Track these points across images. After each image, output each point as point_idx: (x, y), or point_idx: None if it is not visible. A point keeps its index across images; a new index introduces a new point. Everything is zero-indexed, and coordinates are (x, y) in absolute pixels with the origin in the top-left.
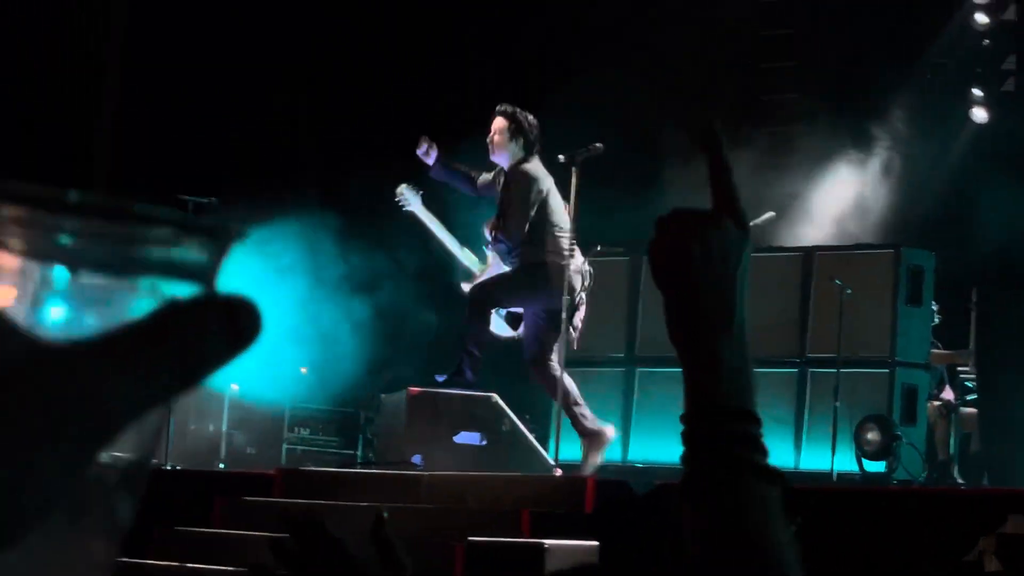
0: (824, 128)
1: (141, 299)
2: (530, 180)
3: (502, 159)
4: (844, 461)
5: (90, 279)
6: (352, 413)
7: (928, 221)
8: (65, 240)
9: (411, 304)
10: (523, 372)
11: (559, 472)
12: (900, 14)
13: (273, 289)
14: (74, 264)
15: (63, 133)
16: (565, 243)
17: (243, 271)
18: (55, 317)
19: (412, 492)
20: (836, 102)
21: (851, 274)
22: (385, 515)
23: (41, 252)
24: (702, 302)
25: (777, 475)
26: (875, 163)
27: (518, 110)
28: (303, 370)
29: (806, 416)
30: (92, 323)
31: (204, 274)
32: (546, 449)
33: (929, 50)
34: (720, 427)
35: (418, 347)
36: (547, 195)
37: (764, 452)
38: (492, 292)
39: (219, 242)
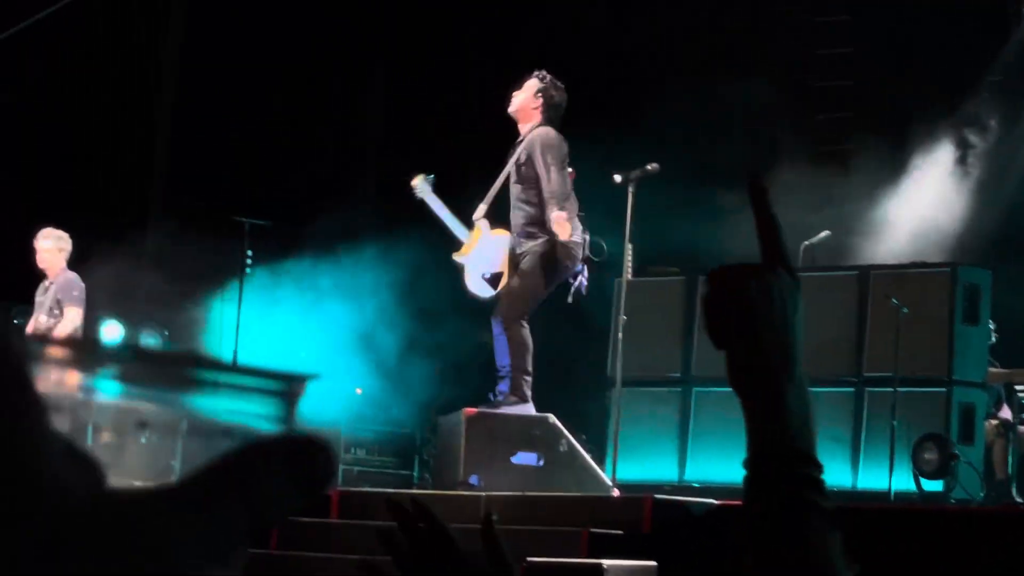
0: (879, 147)
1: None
2: (560, 140)
3: (523, 116)
4: (902, 480)
5: (165, 416)
6: (408, 434)
7: (985, 239)
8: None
9: (466, 324)
10: (580, 392)
11: (617, 492)
12: (958, 29)
13: (328, 309)
14: (145, 396)
15: (121, 158)
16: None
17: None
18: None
19: (470, 513)
20: (891, 122)
21: (907, 293)
22: (495, 517)
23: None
24: (764, 349)
25: (839, 518)
26: (931, 181)
27: (550, 76)
28: (358, 391)
29: (863, 435)
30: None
31: (276, 420)
32: (603, 469)
33: (989, 68)
34: (783, 471)
35: (473, 367)
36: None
37: (826, 496)
38: (522, 306)
39: (287, 399)
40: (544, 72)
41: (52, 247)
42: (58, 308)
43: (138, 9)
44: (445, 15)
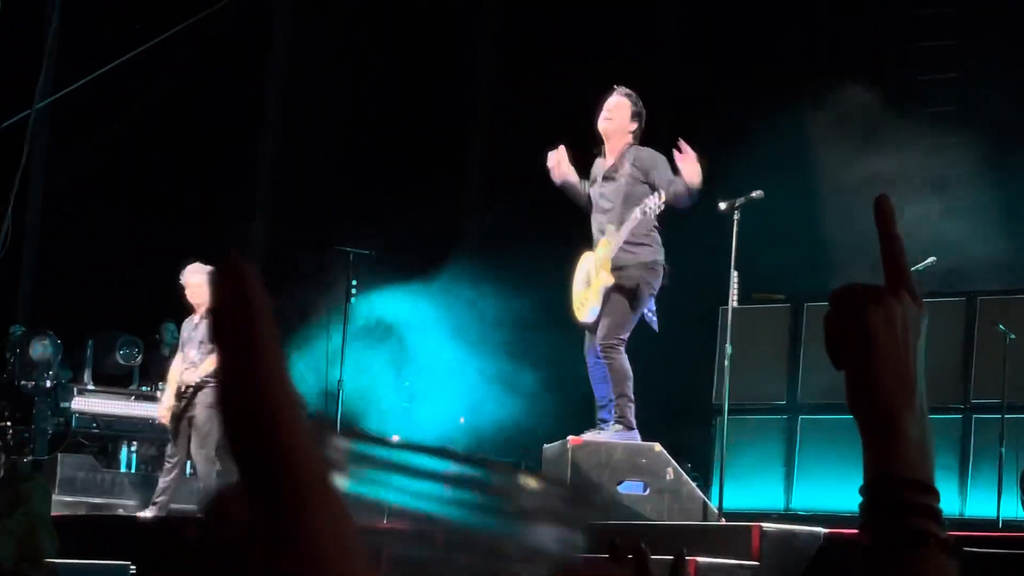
0: (985, 169)
1: None
2: (660, 154)
3: (617, 137)
4: (1010, 507)
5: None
6: (513, 463)
7: None
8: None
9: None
10: (685, 420)
11: (723, 521)
12: None
13: (432, 336)
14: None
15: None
16: None
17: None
18: None
19: None
20: (998, 143)
21: (1015, 319)
22: (644, 545)
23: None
24: (882, 374)
25: (957, 548)
26: None
27: (634, 93)
28: (461, 420)
29: (971, 463)
30: None
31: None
32: (709, 497)
33: None
34: (899, 500)
35: (577, 396)
36: None
37: (944, 525)
38: (620, 332)
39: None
40: (629, 90)
41: (203, 281)
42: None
43: (241, 44)
44: (545, 47)
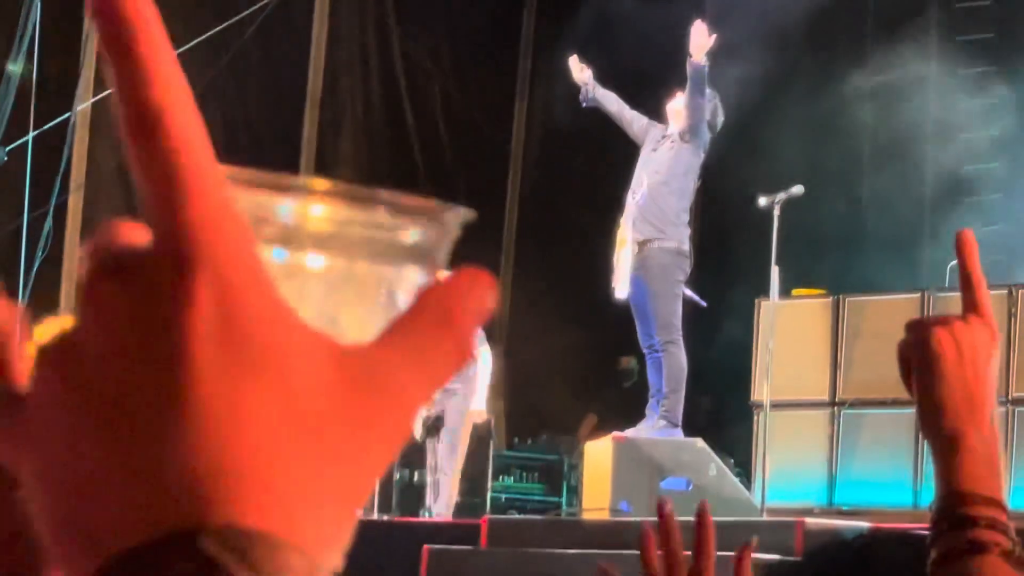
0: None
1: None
2: None
3: (679, 119)
4: None
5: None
6: (556, 460)
7: None
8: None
9: (613, 347)
10: (726, 416)
11: (766, 516)
12: None
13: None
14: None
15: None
16: None
17: None
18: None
19: (621, 539)
20: None
21: None
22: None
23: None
24: (951, 398)
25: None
26: None
27: None
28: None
29: (1013, 455)
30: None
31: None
32: (751, 493)
33: None
34: (966, 512)
35: (621, 391)
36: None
37: (1012, 538)
38: (676, 322)
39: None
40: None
41: None
42: None
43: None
44: None
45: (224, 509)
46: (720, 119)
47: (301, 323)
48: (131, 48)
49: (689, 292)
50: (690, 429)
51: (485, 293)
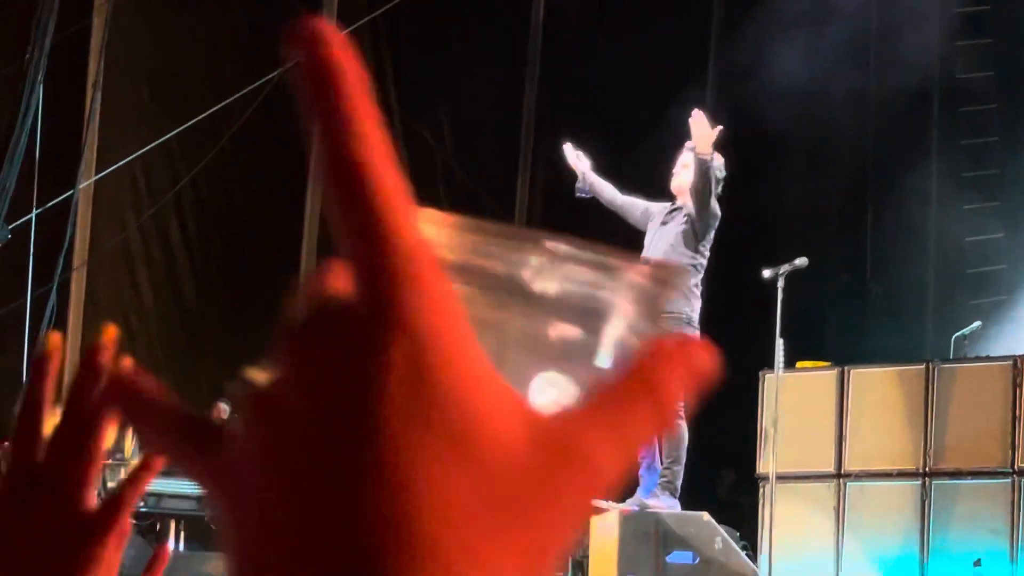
0: None
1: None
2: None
3: (684, 201)
4: None
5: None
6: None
7: None
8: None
9: None
10: (731, 488)
11: None
12: None
13: None
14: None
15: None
16: None
17: None
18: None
19: None
20: None
21: None
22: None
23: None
24: None
25: None
26: None
27: None
28: None
29: (1020, 527)
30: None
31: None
32: (757, 566)
33: None
34: None
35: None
36: None
37: None
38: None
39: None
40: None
41: None
42: None
43: None
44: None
45: None
46: (722, 175)
47: (496, 384)
48: (336, 103)
49: None
50: (693, 502)
51: (696, 364)
